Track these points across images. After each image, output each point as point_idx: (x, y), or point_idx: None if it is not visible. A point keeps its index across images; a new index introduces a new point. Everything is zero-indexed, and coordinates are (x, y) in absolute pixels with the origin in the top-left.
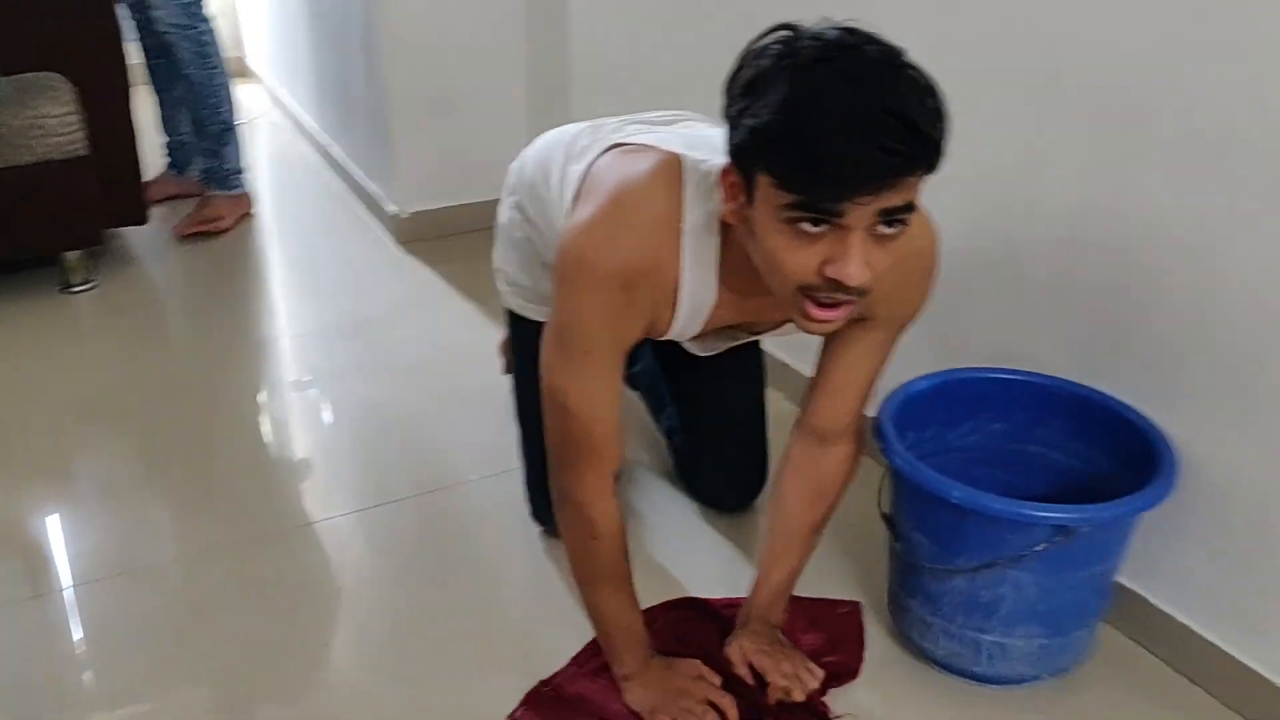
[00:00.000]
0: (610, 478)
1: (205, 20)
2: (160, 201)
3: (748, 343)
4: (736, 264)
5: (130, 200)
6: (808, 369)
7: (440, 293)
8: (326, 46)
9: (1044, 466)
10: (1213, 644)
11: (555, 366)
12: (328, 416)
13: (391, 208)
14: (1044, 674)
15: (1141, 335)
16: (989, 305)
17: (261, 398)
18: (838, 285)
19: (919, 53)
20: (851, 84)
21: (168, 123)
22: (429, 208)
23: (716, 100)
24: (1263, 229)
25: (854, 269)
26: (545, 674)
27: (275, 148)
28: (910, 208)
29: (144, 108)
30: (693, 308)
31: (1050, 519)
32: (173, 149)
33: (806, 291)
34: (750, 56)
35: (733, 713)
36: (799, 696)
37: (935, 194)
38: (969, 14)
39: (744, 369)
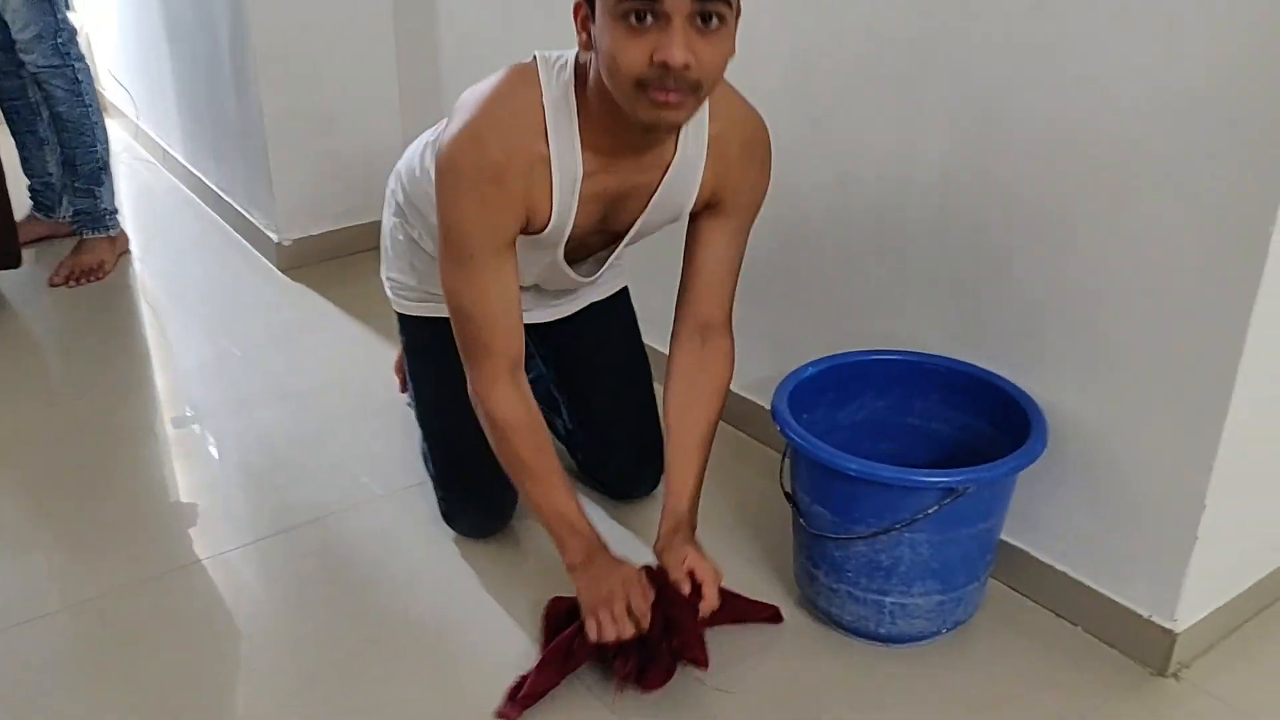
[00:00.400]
0: (508, 371)
1: (80, 58)
2: (28, 244)
3: (629, 337)
4: (595, 120)
5: (4, 246)
6: None
7: (330, 317)
8: (193, 75)
9: (926, 436)
10: (1088, 587)
11: (447, 271)
12: (217, 450)
13: (273, 235)
14: (942, 629)
15: (1004, 308)
16: (866, 291)
17: (147, 437)
18: (667, 71)
19: (799, 46)
20: None
21: (30, 164)
22: (312, 233)
23: None
24: (1103, 206)
25: (676, 51)
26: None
27: (142, 182)
28: (722, 2)
29: (4, 149)
30: (564, 181)
31: (938, 483)
32: (37, 191)
33: (642, 85)
34: None
35: (644, 622)
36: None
37: (811, 180)
38: (844, 11)
39: (630, 362)
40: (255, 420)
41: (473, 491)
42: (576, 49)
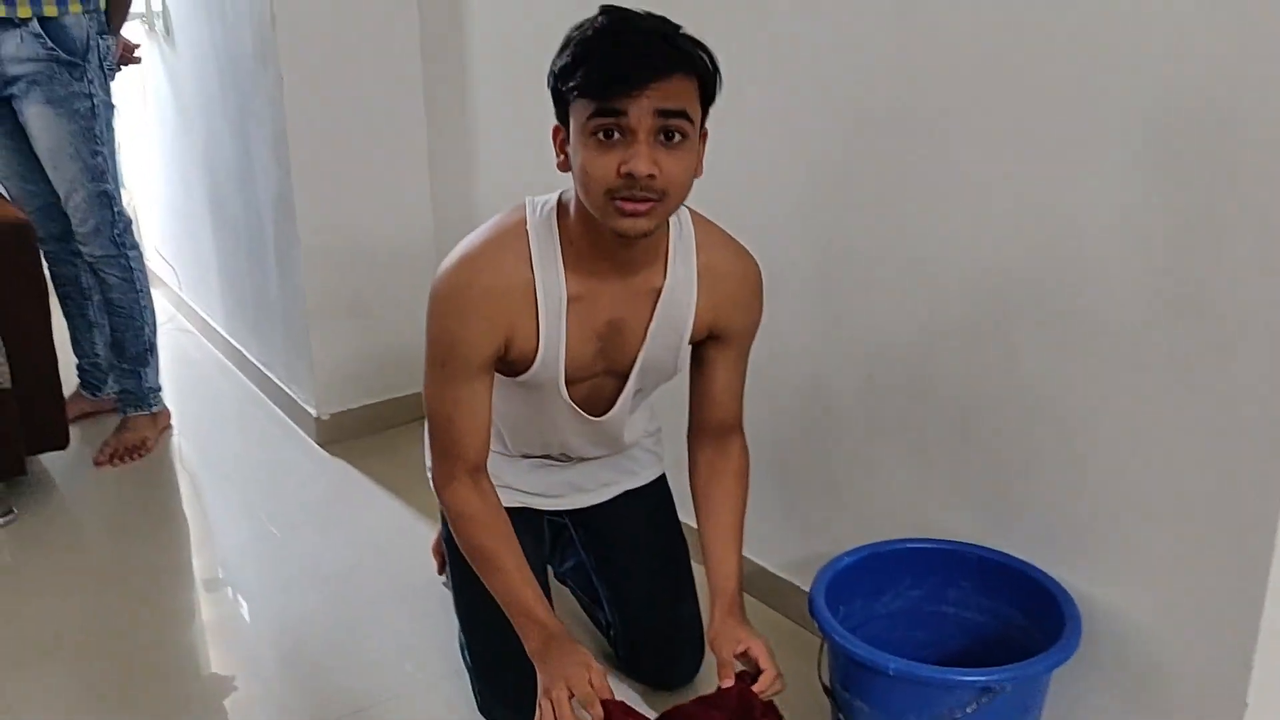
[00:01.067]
0: (468, 473)
1: (134, 246)
2: (74, 420)
3: (667, 522)
4: (577, 242)
5: (53, 427)
6: None
7: (368, 493)
8: (236, 254)
9: (960, 625)
10: None
11: (427, 375)
12: (258, 634)
13: (311, 410)
14: None
15: (1033, 500)
16: (895, 476)
17: (188, 622)
18: (634, 180)
19: (820, 242)
20: (618, 17)
21: (79, 344)
22: (350, 407)
23: None
24: (1128, 404)
25: (641, 162)
26: None
27: (185, 354)
28: (684, 115)
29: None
30: (549, 304)
31: (976, 682)
32: (84, 370)
33: (612, 196)
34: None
35: (593, 708)
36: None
37: (839, 373)
38: (863, 209)
39: (668, 548)
40: (294, 602)
41: (509, 686)
42: (560, 191)
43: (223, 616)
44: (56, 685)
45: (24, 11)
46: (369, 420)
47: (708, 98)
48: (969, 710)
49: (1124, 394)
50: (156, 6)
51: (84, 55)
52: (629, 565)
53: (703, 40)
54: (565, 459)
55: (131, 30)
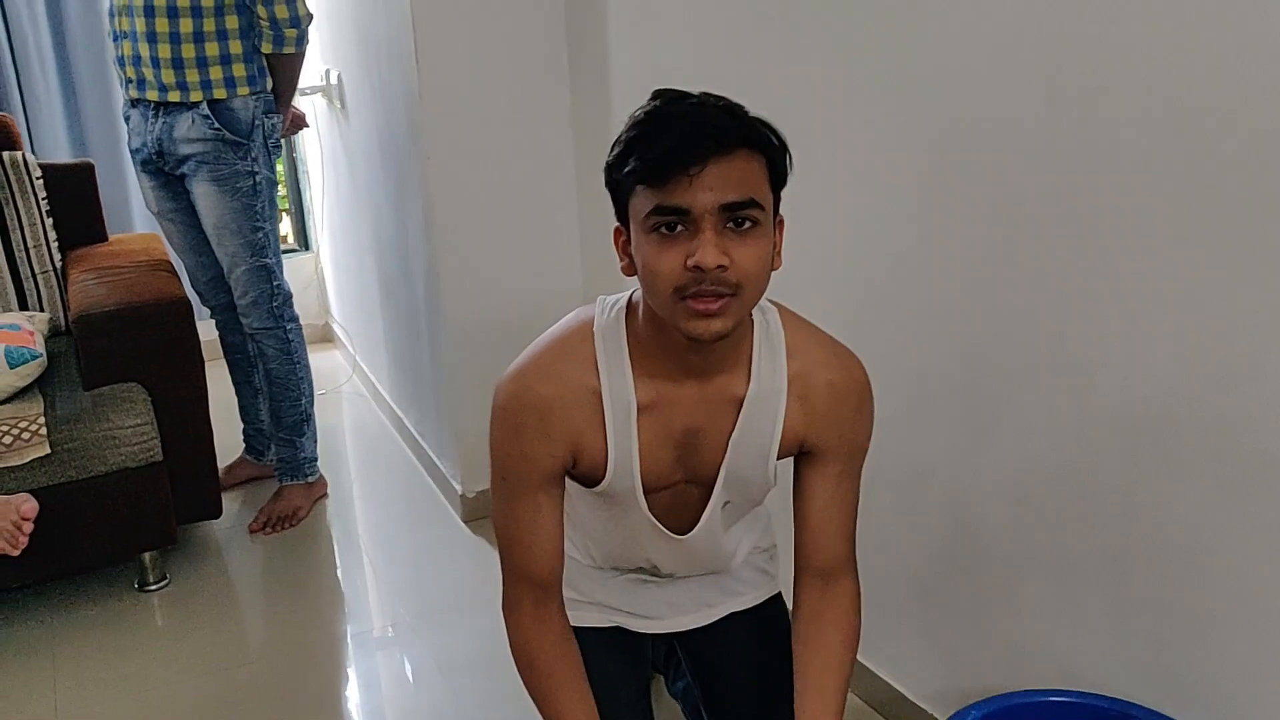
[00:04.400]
0: (535, 595)
1: (293, 319)
2: (237, 485)
3: (780, 651)
4: (646, 347)
5: (205, 498)
6: None
7: None
8: (399, 324)
9: None
10: None
11: (493, 491)
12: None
13: (457, 486)
14: None
15: (1202, 658)
16: (1044, 615)
17: (336, 701)
18: (702, 274)
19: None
20: (677, 100)
21: (246, 411)
22: None
23: None
24: None
25: (708, 252)
26: None
27: (354, 416)
28: (753, 204)
29: (225, 394)
30: (618, 414)
31: None
32: (250, 435)
33: (681, 294)
34: None
35: None
36: None
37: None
38: (1009, 311)
39: (780, 679)
40: (444, 688)
41: None
42: (631, 291)
43: (368, 701)
44: None
45: (196, 95)
46: None
47: (778, 179)
48: None
49: None
50: (333, 79)
51: (249, 135)
52: (736, 698)
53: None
54: (658, 574)
55: (310, 102)
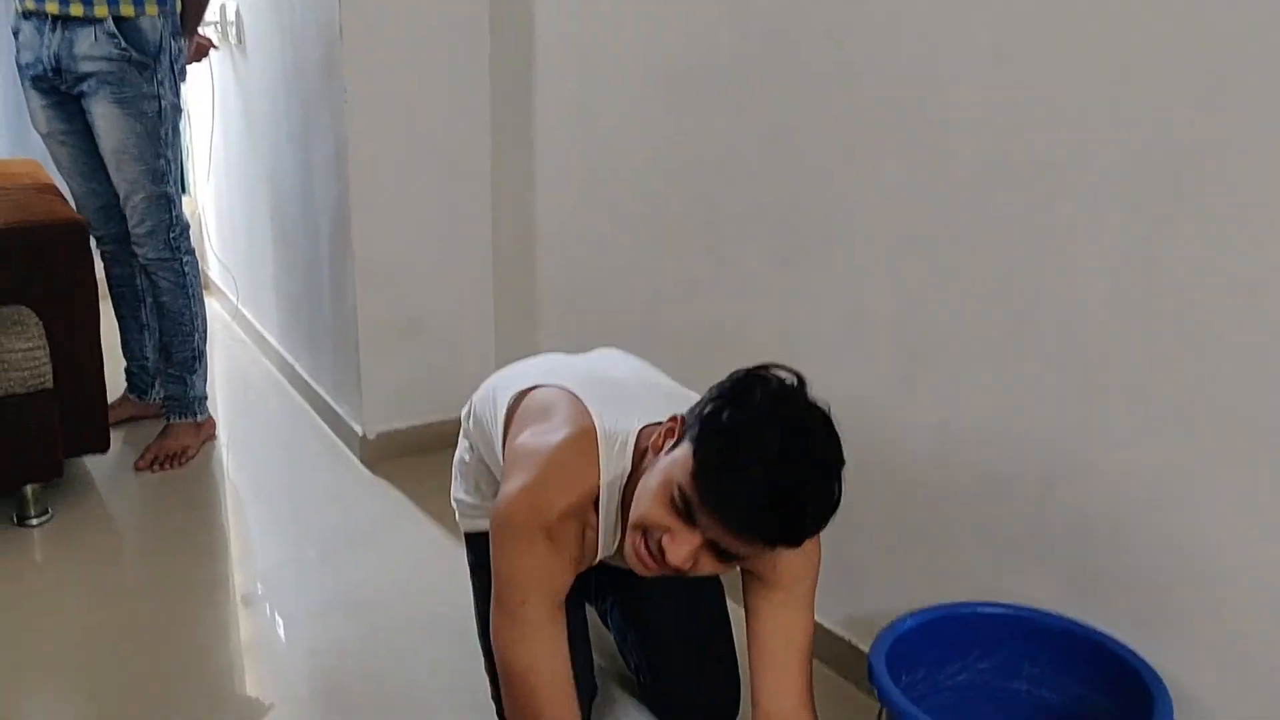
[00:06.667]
0: None
1: (189, 252)
2: (119, 424)
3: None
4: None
5: (94, 430)
6: None
7: (409, 516)
8: (293, 267)
9: (1034, 705)
10: None
11: (499, 628)
12: (292, 656)
13: (357, 427)
14: None
15: (1120, 575)
16: (969, 537)
17: (221, 639)
18: (661, 552)
19: (903, 288)
20: (797, 469)
21: (129, 347)
22: (397, 427)
23: (683, 332)
24: (1236, 473)
25: (678, 557)
26: None
27: (237, 363)
28: (741, 558)
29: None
30: (606, 539)
31: None
32: (133, 373)
33: (645, 533)
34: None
35: None
36: None
37: (911, 425)
38: (946, 264)
39: (703, 594)
40: (330, 625)
41: None
42: (637, 424)
43: (255, 636)
44: (74, 695)
45: (100, 10)
46: (415, 441)
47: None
48: None
49: (1234, 463)
50: (230, 15)
51: (156, 56)
52: (656, 607)
53: None
54: None
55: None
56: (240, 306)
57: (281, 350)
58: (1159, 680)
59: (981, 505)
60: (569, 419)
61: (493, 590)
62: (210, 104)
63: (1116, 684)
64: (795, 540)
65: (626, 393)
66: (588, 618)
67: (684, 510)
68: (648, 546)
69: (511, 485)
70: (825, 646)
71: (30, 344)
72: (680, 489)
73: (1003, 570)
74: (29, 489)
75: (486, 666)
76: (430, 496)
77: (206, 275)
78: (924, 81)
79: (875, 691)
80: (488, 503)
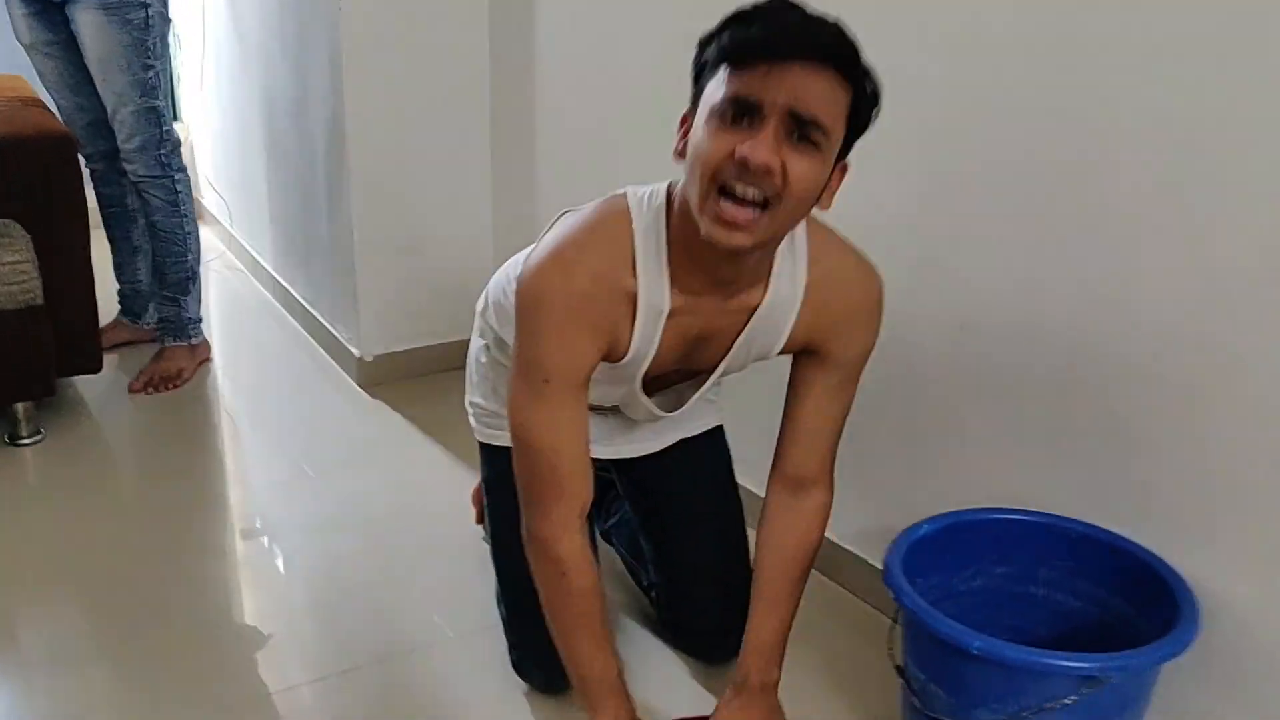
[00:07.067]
0: (577, 515)
1: (181, 169)
2: (112, 348)
3: (721, 477)
4: (682, 254)
5: (85, 349)
6: None
7: (407, 438)
8: (288, 188)
9: (1051, 610)
10: None
11: (518, 403)
12: (287, 575)
13: (355, 350)
14: None
15: (1141, 473)
16: (985, 442)
17: (216, 557)
18: (745, 169)
19: (919, 171)
20: (794, 5)
21: (121, 269)
22: (394, 350)
23: None
24: (1270, 371)
25: (760, 150)
26: None
27: (231, 290)
28: (820, 127)
29: (97, 252)
30: (648, 315)
31: (1078, 669)
32: (126, 296)
33: (718, 182)
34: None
35: None
36: None
37: (927, 322)
38: (968, 138)
39: (722, 508)
40: (326, 545)
41: (545, 643)
42: (667, 183)
43: (250, 556)
44: (67, 612)
45: None
46: (413, 364)
47: (856, 122)
48: (1067, 702)
49: (1268, 359)
50: None
51: None
52: (677, 521)
53: None
54: (614, 413)
55: None
56: (233, 231)
57: (276, 275)
58: (1184, 584)
59: (999, 404)
60: (594, 202)
61: (514, 363)
62: (200, 25)
63: (1139, 588)
64: (843, 41)
65: None
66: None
67: (739, 108)
68: (725, 194)
69: (538, 253)
70: (835, 561)
71: (17, 257)
72: (724, 93)
73: (1021, 474)
74: (20, 408)
75: (498, 589)
76: (429, 419)
77: (199, 201)
78: None
79: (892, 594)
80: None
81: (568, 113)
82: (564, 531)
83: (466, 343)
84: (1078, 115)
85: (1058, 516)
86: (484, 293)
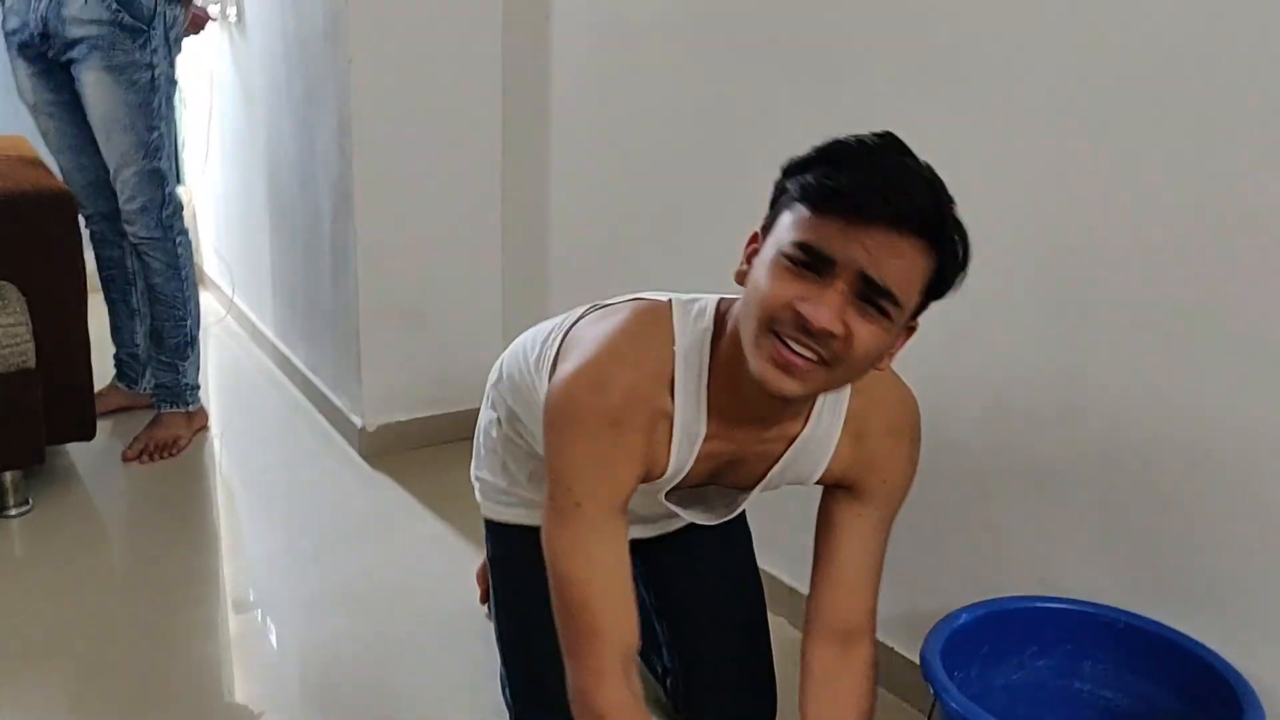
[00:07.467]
0: (618, 661)
1: (183, 232)
2: (106, 414)
3: (740, 556)
4: (724, 381)
5: (79, 415)
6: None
7: (409, 512)
8: (291, 253)
9: (1095, 706)
10: None
11: (549, 529)
12: (281, 654)
13: (357, 420)
14: None
15: (1193, 565)
16: (1027, 527)
17: (208, 635)
18: (804, 326)
19: None
20: (896, 146)
21: (119, 333)
22: (397, 419)
23: None
24: None
25: (823, 313)
26: None
27: (231, 356)
28: (894, 299)
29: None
30: (684, 440)
31: None
32: (122, 361)
33: (774, 326)
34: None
35: None
36: None
37: (964, 404)
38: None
39: (742, 588)
40: (323, 623)
41: None
42: (714, 297)
43: (245, 634)
44: (53, 694)
45: None
46: (416, 435)
47: (937, 288)
48: None
49: None
50: None
51: (150, 22)
52: (695, 608)
53: None
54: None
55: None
56: (235, 298)
57: (277, 342)
58: (1243, 680)
59: (1037, 487)
60: (633, 305)
61: (546, 488)
62: (206, 90)
63: (1193, 685)
64: (936, 208)
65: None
66: None
67: (810, 257)
68: (784, 341)
69: (567, 366)
70: None
71: (11, 319)
72: (798, 236)
73: (1061, 561)
74: (8, 476)
75: (502, 670)
76: (431, 492)
77: (200, 268)
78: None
79: (931, 689)
80: (517, 488)
81: (583, 182)
82: (600, 681)
83: (472, 413)
84: (1113, 194)
85: (1102, 606)
86: (498, 363)
